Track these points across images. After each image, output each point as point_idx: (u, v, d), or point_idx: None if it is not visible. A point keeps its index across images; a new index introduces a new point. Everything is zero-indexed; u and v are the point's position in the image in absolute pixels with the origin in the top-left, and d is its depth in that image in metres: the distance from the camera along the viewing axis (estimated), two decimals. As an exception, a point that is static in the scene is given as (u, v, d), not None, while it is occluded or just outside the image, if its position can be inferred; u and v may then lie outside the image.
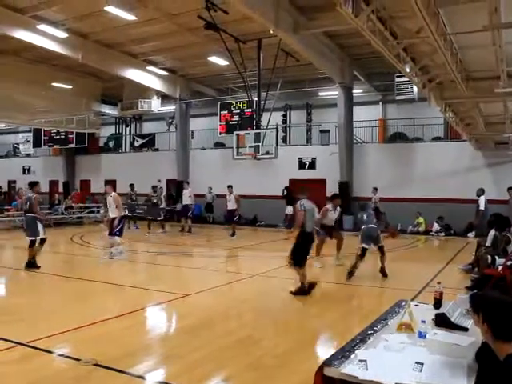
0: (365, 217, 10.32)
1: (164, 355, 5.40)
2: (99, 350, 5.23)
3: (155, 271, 11.48)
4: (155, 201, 18.86)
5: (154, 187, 19.24)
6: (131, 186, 19.93)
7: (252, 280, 9.96)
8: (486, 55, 9.15)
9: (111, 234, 12.44)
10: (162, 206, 19.23)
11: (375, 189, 18.91)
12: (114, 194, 12.68)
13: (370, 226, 10.08)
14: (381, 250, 10.07)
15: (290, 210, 18.93)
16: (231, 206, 17.87)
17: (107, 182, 27.88)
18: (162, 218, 18.96)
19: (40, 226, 10.72)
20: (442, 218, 19.09)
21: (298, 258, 8.17)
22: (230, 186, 18.06)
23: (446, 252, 14.72)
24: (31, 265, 10.40)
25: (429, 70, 11.21)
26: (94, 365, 4.78)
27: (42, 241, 10.81)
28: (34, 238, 10.61)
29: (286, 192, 20.22)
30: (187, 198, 18.96)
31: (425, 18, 6.60)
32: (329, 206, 11.68)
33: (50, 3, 14.97)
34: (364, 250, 9.78)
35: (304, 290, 8.17)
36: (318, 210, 9.61)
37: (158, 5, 15.11)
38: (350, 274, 9.57)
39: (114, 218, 12.33)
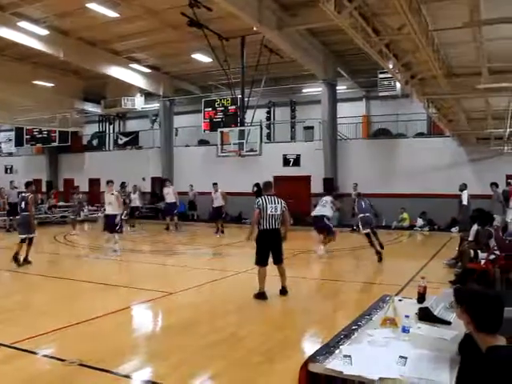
0: (363, 204, 12.34)
1: (150, 354, 5.38)
2: (84, 350, 5.21)
3: (139, 270, 11.42)
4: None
5: (122, 185, 18.80)
6: (122, 184, 19.04)
7: (237, 277, 9.97)
8: (468, 51, 9.25)
9: (113, 231, 12.95)
10: (133, 205, 19.12)
11: (356, 184, 18.99)
12: (116, 192, 13.35)
13: (368, 214, 12.23)
14: (375, 233, 12.26)
15: None
16: (218, 203, 17.83)
17: (92, 181, 27.86)
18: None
19: (33, 225, 11.21)
20: (425, 213, 19.28)
21: (256, 258, 7.97)
22: (215, 184, 18.01)
23: (429, 247, 14.85)
24: (16, 259, 10.75)
25: (411, 67, 11.28)
26: (79, 365, 4.76)
27: (31, 240, 11.12)
28: (25, 236, 11.00)
29: (256, 188, 20.14)
30: (171, 196, 18.86)
31: (407, 14, 6.64)
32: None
33: (30, 0, 14.79)
34: (368, 235, 11.88)
35: (260, 293, 7.89)
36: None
37: (141, 2, 14.99)
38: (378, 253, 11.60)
39: (115, 215, 12.92)
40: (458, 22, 7.00)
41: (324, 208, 12.85)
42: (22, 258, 10.91)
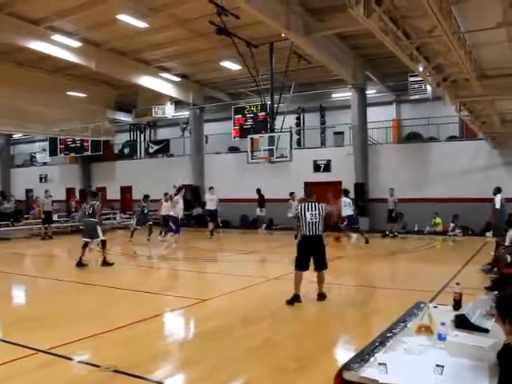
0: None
1: (183, 360, 5.41)
2: (119, 356, 5.26)
3: (172, 277, 11.52)
4: (144, 210, 18.02)
5: (145, 197, 18.59)
6: (145, 197, 18.96)
7: (269, 284, 9.95)
8: (501, 52, 9.07)
9: (170, 230, 15.37)
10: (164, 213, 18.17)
11: (392, 189, 18.67)
12: (176, 197, 15.64)
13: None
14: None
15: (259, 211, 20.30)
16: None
17: (124, 189, 28.26)
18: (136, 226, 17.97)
19: (99, 230, 12.05)
20: (457, 216, 18.89)
21: (295, 262, 8.11)
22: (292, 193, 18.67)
23: (464, 252, 14.55)
24: (80, 264, 11.77)
25: (443, 69, 11.12)
26: (114, 371, 4.81)
27: (103, 242, 12.07)
28: (89, 240, 12.05)
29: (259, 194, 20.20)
30: (213, 203, 19.21)
31: (437, 16, 6.56)
32: None
33: (63, 14, 15.16)
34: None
35: (292, 298, 7.91)
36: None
37: (169, 12, 15.21)
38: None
39: (174, 217, 15.29)
40: (491, 22, 6.87)
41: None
42: (101, 261, 12.01)
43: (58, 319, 7.04)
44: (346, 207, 15.40)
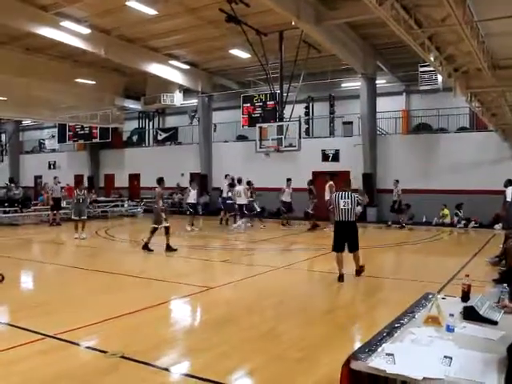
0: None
1: (189, 348, 5.42)
2: (125, 343, 5.29)
3: (178, 264, 11.55)
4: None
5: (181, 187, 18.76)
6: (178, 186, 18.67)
7: (276, 273, 9.95)
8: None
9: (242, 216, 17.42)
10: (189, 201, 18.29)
11: (397, 181, 18.60)
12: (242, 186, 17.49)
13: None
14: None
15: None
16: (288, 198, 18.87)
17: (132, 176, 28.34)
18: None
19: (163, 216, 12.47)
20: (460, 205, 18.77)
21: (332, 245, 9.05)
22: (289, 179, 19.15)
23: (472, 244, 14.50)
24: (146, 247, 12.30)
25: (454, 59, 11.01)
26: (121, 357, 4.83)
27: (167, 229, 12.44)
28: (156, 226, 12.40)
29: (230, 181, 19.94)
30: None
31: (451, 5, 6.47)
32: None
33: (72, 0, 15.10)
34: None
35: (340, 275, 8.84)
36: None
37: (179, -1, 15.12)
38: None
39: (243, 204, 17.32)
40: (505, 11, 6.77)
41: None
42: (146, 242, 12.33)
43: (65, 305, 7.09)
44: None
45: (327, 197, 17.29)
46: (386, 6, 7.27)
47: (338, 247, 8.95)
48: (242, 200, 17.60)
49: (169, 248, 12.33)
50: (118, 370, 4.63)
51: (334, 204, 8.95)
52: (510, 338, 2.81)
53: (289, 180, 19.07)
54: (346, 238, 8.90)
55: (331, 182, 16.86)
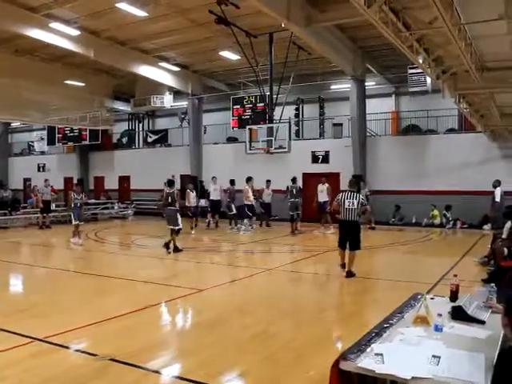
0: (294, 191, 15.80)
1: (180, 350, 5.42)
2: (115, 345, 5.28)
3: (170, 266, 11.53)
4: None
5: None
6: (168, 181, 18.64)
7: (267, 274, 9.97)
8: (501, 44, 9.04)
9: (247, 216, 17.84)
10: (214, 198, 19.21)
11: (364, 182, 18.84)
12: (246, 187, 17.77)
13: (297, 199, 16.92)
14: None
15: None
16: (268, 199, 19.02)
17: (122, 178, 28.24)
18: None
19: (179, 218, 12.78)
20: (449, 206, 18.92)
21: (338, 241, 9.50)
22: (268, 181, 19.28)
23: (461, 245, 14.60)
24: (176, 249, 12.59)
25: (442, 61, 11.09)
26: (110, 360, 4.82)
27: (178, 230, 12.77)
28: (172, 227, 12.65)
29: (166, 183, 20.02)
30: (217, 194, 19.24)
31: (438, 7, 6.52)
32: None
33: (62, 1, 15.03)
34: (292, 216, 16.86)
35: (341, 264, 9.44)
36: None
37: (169, 1, 15.09)
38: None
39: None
40: (492, 14, 6.84)
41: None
42: (174, 245, 12.57)
43: (54, 308, 7.06)
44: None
45: (321, 198, 17.47)
46: (374, 8, 7.31)
47: (341, 244, 9.41)
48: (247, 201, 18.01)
49: (176, 249, 12.62)
50: (107, 372, 4.62)
51: (340, 203, 9.23)
52: (497, 338, 2.85)
53: (268, 181, 19.29)
54: (348, 237, 9.27)
55: (328, 185, 17.48)
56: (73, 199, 14.83)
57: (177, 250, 12.58)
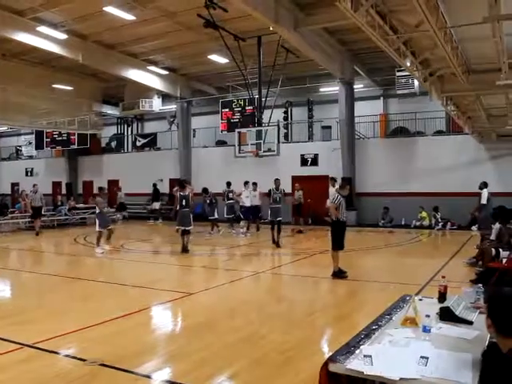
0: (278, 198, 14.66)
1: (170, 354, 5.40)
2: (105, 350, 5.25)
3: (158, 270, 11.48)
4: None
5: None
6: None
7: (256, 277, 9.97)
8: (487, 47, 9.13)
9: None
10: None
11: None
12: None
13: (280, 205, 14.58)
14: (279, 225, 14.14)
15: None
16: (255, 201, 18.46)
17: (110, 183, 28.10)
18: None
19: (191, 219, 13.10)
20: (437, 208, 19.05)
21: (336, 244, 9.32)
22: (254, 183, 18.47)
23: (449, 246, 14.70)
24: (184, 249, 12.95)
25: (429, 64, 11.18)
26: (100, 365, 4.79)
27: (189, 231, 13.12)
28: (184, 228, 13.00)
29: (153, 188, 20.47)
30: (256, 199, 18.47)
31: (424, 11, 6.58)
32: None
33: (49, 5, 14.98)
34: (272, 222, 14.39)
35: (338, 271, 9.31)
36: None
37: (157, 4, 15.09)
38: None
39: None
40: (477, 17, 6.91)
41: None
42: (183, 246, 12.98)
43: (43, 313, 7.00)
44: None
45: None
46: (361, 12, 7.36)
47: (342, 245, 9.40)
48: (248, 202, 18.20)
49: (185, 249, 12.99)
50: (97, 377, 4.59)
51: (338, 205, 9.28)
52: (484, 338, 2.87)
53: (254, 184, 18.52)
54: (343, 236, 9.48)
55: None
56: (101, 204, 13.78)
57: (185, 250, 12.90)
